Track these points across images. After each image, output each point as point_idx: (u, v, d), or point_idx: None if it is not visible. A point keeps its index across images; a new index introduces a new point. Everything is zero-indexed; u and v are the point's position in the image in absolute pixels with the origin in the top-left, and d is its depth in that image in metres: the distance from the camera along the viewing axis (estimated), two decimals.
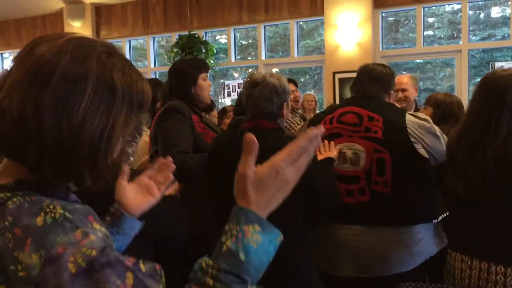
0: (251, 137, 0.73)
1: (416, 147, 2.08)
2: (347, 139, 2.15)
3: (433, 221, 2.23)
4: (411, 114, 2.18)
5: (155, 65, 7.42)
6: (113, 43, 0.86)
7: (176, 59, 6.54)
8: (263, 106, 1.90)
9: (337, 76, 5.55)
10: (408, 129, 2.09)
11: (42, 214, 0.67)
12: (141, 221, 1.07)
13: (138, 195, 1.07)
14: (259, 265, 0.71)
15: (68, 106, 0.70)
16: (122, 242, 1.04)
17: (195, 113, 2.42)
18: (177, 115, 2.32)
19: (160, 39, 7.91)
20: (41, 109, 0.69)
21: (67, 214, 0.68)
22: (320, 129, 0.74)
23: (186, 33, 6.48)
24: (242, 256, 0.70)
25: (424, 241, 2.19)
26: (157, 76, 7.29)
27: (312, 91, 8.64)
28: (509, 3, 5.08)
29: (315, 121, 2.32)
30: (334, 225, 2.16)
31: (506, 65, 5.03)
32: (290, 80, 3.83)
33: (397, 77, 3.55)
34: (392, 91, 2.31)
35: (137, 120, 0.81)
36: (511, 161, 1.73)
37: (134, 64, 0.82)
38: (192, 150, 2.25)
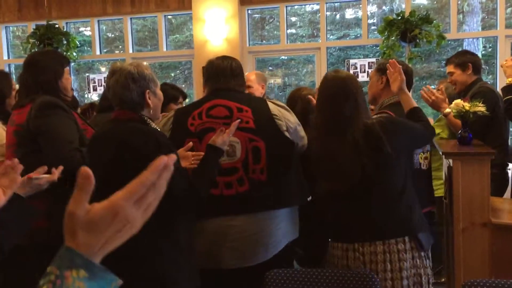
0: (86, 171, 0.64)
1: (283, 130, 2.20)
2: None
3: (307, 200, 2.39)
4: (270, 101, 2.29)
5: (8, 57, 6.75)
6: None
7: (34, 50, 6.04)
8: (121, 94, 1.86)
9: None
10: (273, 115, 2.20)
11: None
12: None
13: None
14: None
15: None
16: None
17: (71, 108, 2.34)
18: (60, 111, 2.21)
19: (15, 28, 7.23)
20: None
21: None
22: (172, 158, 0.66)
23: (44, 23, 6.01)
24: None
25: (295, 220, 2.34)
26: (13, 69, 6.65)
27: (184, 85, 8.61)
28: (361, 6, 5.57)
29: (180, 117, 2.28)
30: (215, 219, 2.17)
31: (359, 62, 5.51)
32: (180, 92, 3.84)
33: (246, 74, 3.74)
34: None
35: None
36: (376, 137, 1.94)
37: None
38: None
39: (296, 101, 2.83)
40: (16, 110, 2.31)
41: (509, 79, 2.86)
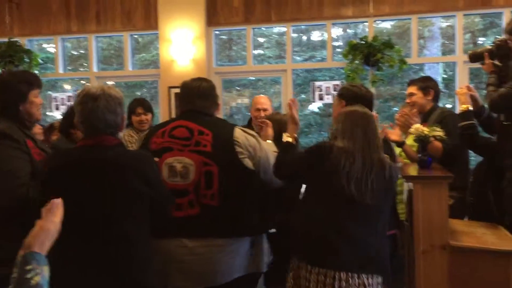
0: (57, 201, 1.00)
1: (242, 158, 2.19)
2: (177, 153, 2.18)
3: (267, 232, 2.35)
4: (240, 129, 2.29)
5: None
6: None
7: None
8: (108, 119, 1.84)
9: (173, 91, 5.56)
10: (235, 141, 2.19)
11: None
12: None
13: None
14: None
15: None
16: None
17: (28, 137, 2.14)
18: (8, 142, 2.03)
19: None
20: None
21: None
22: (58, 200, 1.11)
23: (6, 40, 5.88)
24: None
25: (257, 252, 2.30)
26: None
27: None
28: (326, 28, 5.69)
29: (149, 135, 2.35)
30: (164, 240, 2.15)
31: (324, 84, 5.59)
32: (141, 103, 3.95)
33: (255, 98, 3.91)
34: (219, 102, 2.43)
35: None
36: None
37: None
38: (30, 180, 1.98)
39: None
40: None
41: (464, 106, 2.95)
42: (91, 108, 1.83)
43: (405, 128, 3.15)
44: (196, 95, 2.31)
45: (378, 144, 2.12)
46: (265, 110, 3.71)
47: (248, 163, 2.21)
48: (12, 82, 2.16)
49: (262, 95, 4.03)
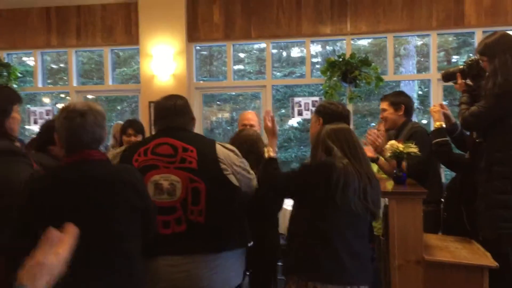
0: (53, 231, 0.91)
1: (227, 174, 2.22)
2: (164, 170, 2.18)
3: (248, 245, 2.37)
4: (220, 144, 2.32)
5: None
6: None
7: None
8: (96, 134, 1.88)
9: (153, 105, 5.57)
10: (218, 158, 2.22)
11: None
12: None
13: None
14: None
15: None
16: None
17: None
18: (21, 158, 2.10)
19: None
20: None
21: None
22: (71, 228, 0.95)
23: None
24: None
25: (237, 267, 2.32)
26: None
27: (130, 118, 8.50)
28: (305, 44, 5.79)
29: (129, 153, 2.30)
30: (151, 258, 2.14)
31: (303, 100, 5.67)
32: (131, 124, 4.08)
33: (242, 114, 3.93)
34: (194, 117, 2.44)
35: None
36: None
37: None
38: None
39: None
40: None
41: (437, 123, 3.04)
42: (79, 123, 1.85)
43: (374, 147, 3.22)
44: (173, 113, 2.33)
45: (367, 158, 2.24)
46: (251, 125, 3.75)
47: (232, 179, 2.24)
48: None
49: (249, 111, 4.09)
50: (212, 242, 2.18)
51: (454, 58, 8.30)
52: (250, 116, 3.88)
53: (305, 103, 5.58)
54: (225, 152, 2.26)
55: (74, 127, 1.86)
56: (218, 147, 2.27)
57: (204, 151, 2.23)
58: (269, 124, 2.46)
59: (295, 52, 9.26)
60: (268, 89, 5.79)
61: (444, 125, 3.04)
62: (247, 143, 2.77)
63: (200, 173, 2.17)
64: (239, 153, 2.35)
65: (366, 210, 2.10)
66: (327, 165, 2.12)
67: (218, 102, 9.04)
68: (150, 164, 2.20)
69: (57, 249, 0.92)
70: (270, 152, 2.37)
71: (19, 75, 6.12)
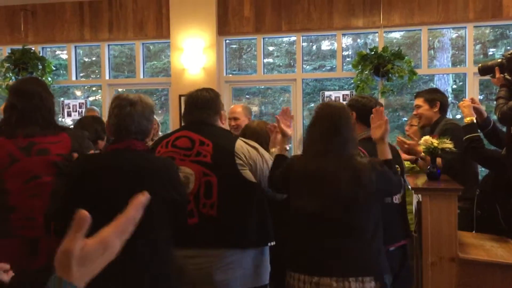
0: (84, 214, 0.69)
1: (242, 169, 2.21)
2: (179, 162, 2.21)
3: (268, 245, 2.35)
4: (243, 140, 2.31)
5: None
6: None
7: (7, 74, 5.99)
8: (142, 124, 1.93)
9: (183, 99, 5.60)
10: (235, 153, 2.21)
11: None
12: None
13: None
14: None
15: None
16: None
17: None
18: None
19: None
20: None
21: None
22: (146, 195, 0.76)
23: (20, 47, 5.97)
24: None
25: (257, 266, 2.30)
26: None
27: (160, 111, 8.61)
28: (336, 38, 5.72)
29: (155, 145, 2.40)
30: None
31: (333, 94, 5.62)
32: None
33: (231, 106, 3.88)
34: (222, 111, 2.42)
35: None
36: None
37: None
38: None
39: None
40: (42, 138, 2.18)
41: (467, 118, 2.95)
42: (128, 111, 1.91)
43: (405, 150, 3.18)
44: (194, 106, 2.34)
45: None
46: (235, 119, 3.85)
47: (249, 175, 2.22)
48: (46, 92, 2.35)
49: (238, 104, 4.14)
50: (225, 237, 2.18)
51: (491, 51, 8.05)
52: (235, 109, 3.98)
53: (335, 97, 5.52)
54: (245, 148, 2.25)
55: (123, 115, 1.92)
56: (239, 142, 2.26)
57: (221, 145, 2.23)
58: (284, 127, 2.39)
59: (325, 45, 9.15)
60: (298, 83, 5.74)
61: (475, 120, 2.95)
62: (255, 136, 2.74)
63: (213, 167, 2.19)
64: (262, 151, 2.33)
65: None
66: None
67: (247, 96, 9.05)
68: (169, 156, 2.24)
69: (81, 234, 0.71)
70: (275, 150, 2.43)
71: (53, 68, 6.25)
